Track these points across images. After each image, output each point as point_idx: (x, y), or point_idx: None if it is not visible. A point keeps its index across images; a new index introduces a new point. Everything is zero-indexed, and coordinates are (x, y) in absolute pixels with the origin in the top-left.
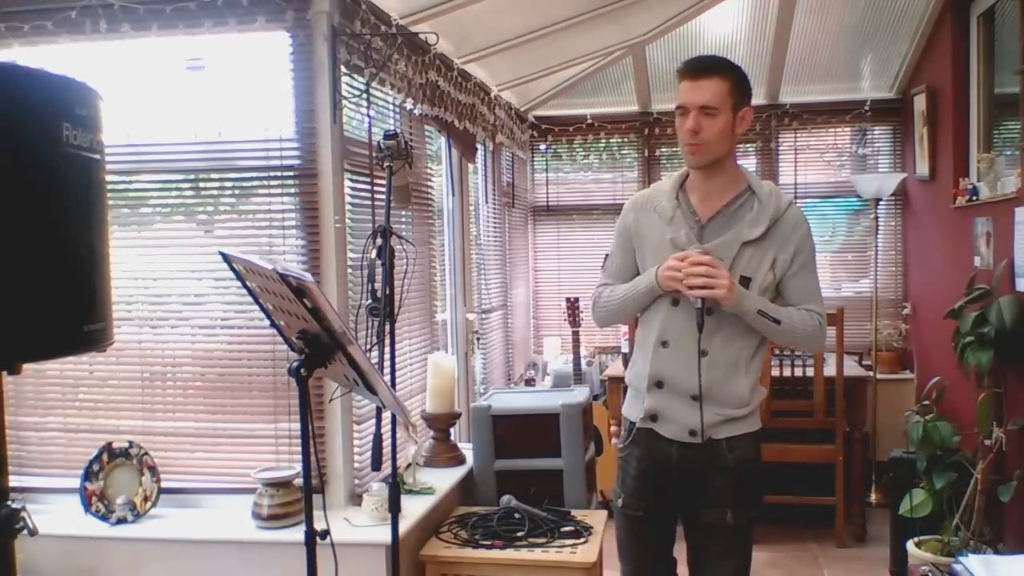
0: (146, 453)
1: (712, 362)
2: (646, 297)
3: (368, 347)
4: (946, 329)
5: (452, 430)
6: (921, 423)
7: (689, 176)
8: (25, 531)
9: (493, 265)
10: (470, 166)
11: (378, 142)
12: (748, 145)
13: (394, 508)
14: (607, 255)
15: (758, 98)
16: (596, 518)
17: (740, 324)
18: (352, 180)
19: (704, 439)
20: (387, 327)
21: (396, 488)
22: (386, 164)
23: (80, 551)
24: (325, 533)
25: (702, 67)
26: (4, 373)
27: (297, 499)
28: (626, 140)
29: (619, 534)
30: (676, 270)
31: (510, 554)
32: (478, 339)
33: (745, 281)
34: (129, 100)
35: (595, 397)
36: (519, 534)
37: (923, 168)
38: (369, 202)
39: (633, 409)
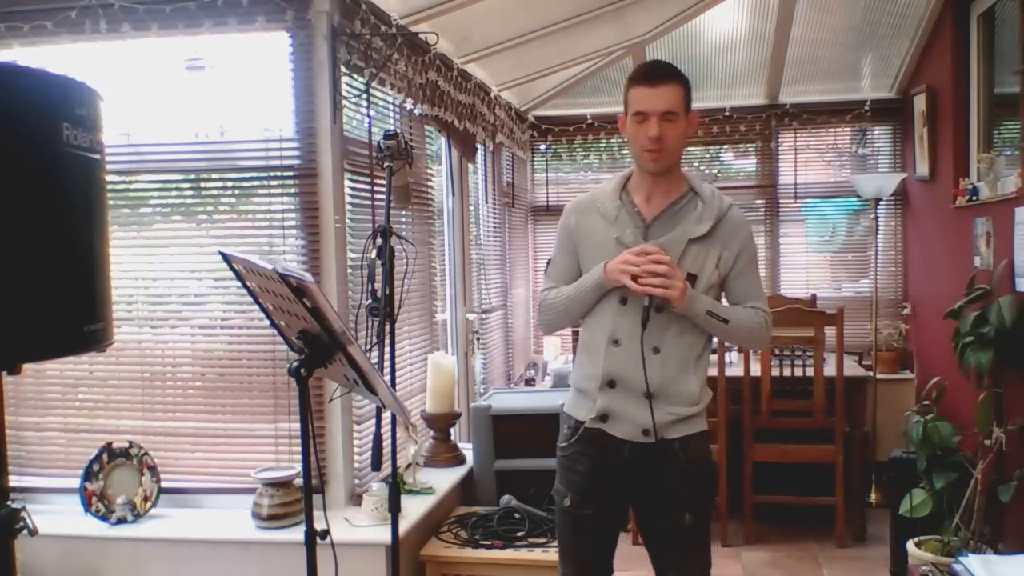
0: (146, 453)
1: (664, 359)
2: (594, 293)
3: (368, 347)
4: (946, 329)
5: (452, 430)
6: (921, 423)
7: (632, 177)
8: (25, 531)
9: (493, 265)
10: (470, 166)
11: (378, 142)
12: (748, 145)
13: (394, 508)
14: (549, 260)
15: (758, 98)
16: None
17: (688, 321)
18: (352, 180)
19: (656, 439)
20: (387, 327)
21: (396, 488)
22: (386, 164)
23: (80, 551)
24: (325, 533)
25: (661, 73)
26: (4, 373)
27: (297, 499)
28: (626, 140)
29: (563, 535)
30: (632, 264)
31: (510, 554)
32: (478, 339)
33: (692, 278)
34: (129, 100)
35: None
36: (519, 534)
37: (923, 168)
38: (369, 202)
39: (581, 409)
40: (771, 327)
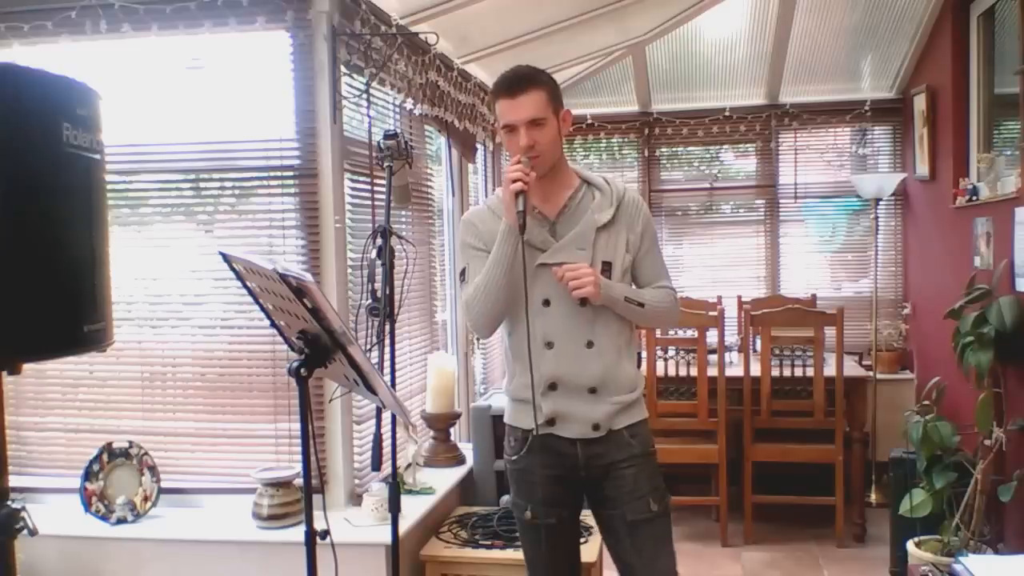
0: (146, 453)
1: (600, 351)
2: (507, 245)
3: (368, 347)
4: (946, 329)
5: (452, 430)
6: (921, 423)
7: None
8: (25, 531)
9: None
10: (470, 166)
11: (378, 142)
12: (748, 145)
13: (394, 508)
14: (463, 270)
15: (758, 98)
16: None
17: (611, 310)
18: (352, 180)
19: (606, 431)
20: (387, 327)
21: (396, 488)
22: (386, 164)
23: (80, 551)
24: (325, 533)
25: (518, 82)
26: (4, 373)
27: (297, 499)
28: (626, 140)
29: (529, 548)
30: (512, 170)
31: (510, 554)
32: (478, 339)
33: (607, 265)
34: (129, 100)
35: None
36: (519, 534)
37: (923, 168)
38: (369, 202)
39: (526, 418)
40: (679, 304)
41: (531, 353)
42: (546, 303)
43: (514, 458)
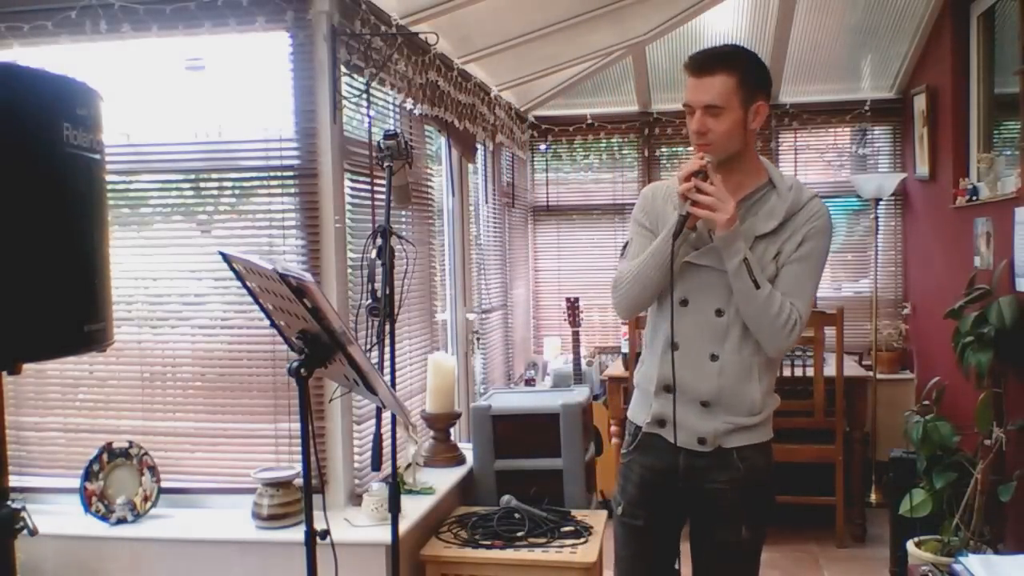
0: (146, 453)
1: (723, 367)
2: (666, 242)
3: (368, 347)
4: (946, 329)
5: (452, 430)
6: (921, 423)
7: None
8: (25, 531)
9: (493, 265)
10: (470, 166)
11: (378, 142)
12: None
13: (394, 508)
14: (626, 243)
15: None
16: (596, 518)
17: (751, 331)
18: (352, 180)
19: (713, 448)
20: (387, 327)
21: (396, 488)
22: (386, 164)
23: (80, 551)
24: (325, 533)
25: (707, 63)
26: (4, 373)
27: (297, 499)
28: (626, 140)
29: (617, 544)
30: (684, 185)
31: (510, 554)
32: (478, 339)
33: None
34: (129, 100)
35: (595, 397)
36: (519, 534)
37: (923, 168)
38: (369, 202)
39: (640, 412)
40: (797, 332)
41: (652, 352)
42: (684, 303)
43: (624, 452)
